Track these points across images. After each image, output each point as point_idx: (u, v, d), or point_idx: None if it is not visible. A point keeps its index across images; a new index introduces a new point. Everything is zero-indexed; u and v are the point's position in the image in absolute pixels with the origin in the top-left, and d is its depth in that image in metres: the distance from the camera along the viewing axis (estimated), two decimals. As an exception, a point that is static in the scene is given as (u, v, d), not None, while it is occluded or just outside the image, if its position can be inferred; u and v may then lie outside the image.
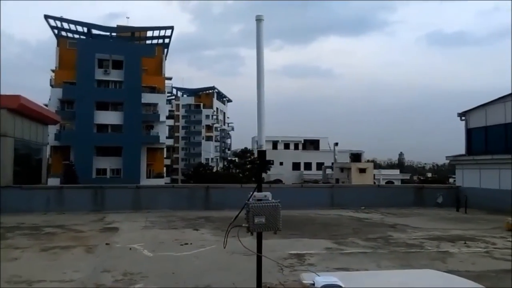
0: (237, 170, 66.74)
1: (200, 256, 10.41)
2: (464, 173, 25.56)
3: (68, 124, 58.38)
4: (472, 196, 22.31)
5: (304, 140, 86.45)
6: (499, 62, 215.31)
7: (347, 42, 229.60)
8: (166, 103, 71.01)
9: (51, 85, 61.69)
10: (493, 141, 24.28)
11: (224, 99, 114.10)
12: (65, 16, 62.28)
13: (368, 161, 76.67)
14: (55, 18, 60.75)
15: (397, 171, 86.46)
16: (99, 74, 60.87)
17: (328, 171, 70.17)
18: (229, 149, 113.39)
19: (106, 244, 12.03)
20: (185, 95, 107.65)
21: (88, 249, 11.34)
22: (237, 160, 70.24)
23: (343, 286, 3.78)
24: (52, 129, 53.23)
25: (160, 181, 58.41)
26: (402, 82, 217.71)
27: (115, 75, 61.55)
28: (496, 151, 23.39)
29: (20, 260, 9.95)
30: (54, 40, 62.92)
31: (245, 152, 69.22)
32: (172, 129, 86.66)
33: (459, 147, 27.73)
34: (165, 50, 67.21)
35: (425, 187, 26.42)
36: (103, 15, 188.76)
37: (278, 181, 57.17)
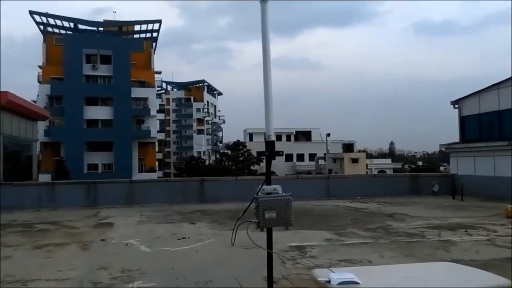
0: (230, 163, 66.49)
1: (199, 250, 10.17)
2: (459, 160, 25.55)
3: (58, 120, 57.82)
4: (467, 184, 22.31)
5: (296, 131, 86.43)
6: (486, 49, 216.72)
7: (335, 34, 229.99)
8: (156, 97, 70.57)
9: (39, 81, 60.96)
10: (487, 128, 24.25)
11: (215, 92, 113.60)
12: (50, 12, 61.40)
13: (359, 151, 76.83)
14: (40, 14, 59.88)
15: (389, 161, 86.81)
16: (87, 69, 60.25)
17: (321, 161, 70.24)
18: (220, 142, 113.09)
19: (102, 240, 11.74)
20: (175, 89, 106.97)
21: (83, 246, 11.04)
22: (229, 153, 69.97)
23: (359, 282, 3.58)
24: (42, 125, 52.57)
25: (153, 175, 58.18)
26: (390, 72, 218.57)
27: (103, 70, 60.95)
28: (490, 138, 23.39)
29: (13, 259, 9.62)
30: (40, 36, 62.07)
31: (237, 145, 68.98)
32: (163, 123, 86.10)
33: (449, 135, 27.83)
34: (154, 44, 66.64)
35: (420, 175, 26.36)
36: (89, 11, 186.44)
37: (272, 173, 56.98)
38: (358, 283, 3.54)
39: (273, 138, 5.16)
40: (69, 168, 49.83)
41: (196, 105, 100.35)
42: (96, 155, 58.62)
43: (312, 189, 21.95)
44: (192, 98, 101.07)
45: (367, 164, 65.72)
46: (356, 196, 21.80)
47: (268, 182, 4.96)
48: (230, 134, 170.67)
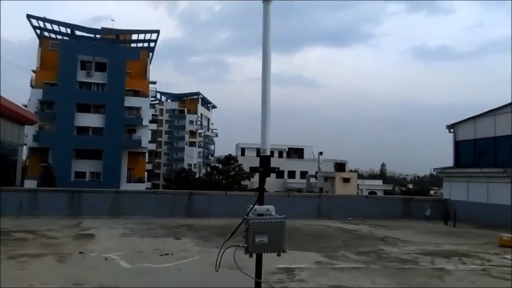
0: (221, 177, 65.81)
1: (182, 269, 9.62)
2: (452, 185, 25.25)
3: (48, 125, 56.98)
4: (460, 209, 21.99)
5: (289, 148, 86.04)
6: (482, 76, 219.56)
7: (332, 53, 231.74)
8: (150, 107, 69.94)
9: (32, 86, 60.24)
10: (481, 154, 24.02)
11: (209, 105, 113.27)
12: (48, 17, 61.07)
13: (351, 171, 76.58)
14: (37, 18, 59.48)
15: (380, 182, 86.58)
16: (81, 76, 59.67)
17: (312, 180, 69.77)
18: (212, 156, 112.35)
19: (80, 252, 11.15)
20: (169, 100, 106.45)
21: (60, 258, 10.44)
22: (220, 167, 69.32)
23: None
24: (31, 130, 51.81)
25: (141, 186, 57.28)
26: (385, 94, 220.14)
27: (98, 77, 60.42)
28: (484, 164, 23.14)
29: (-18, 270, 9.02)
30: (36, 41, 61.57)
31: (229, 159, 68.37)
32: (155, 134, 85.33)
33: (442, 160, 27.64)
34: (150, 54, 66.36)
35: (413, 199, 25.97)
36: (88, 18, 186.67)
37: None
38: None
39: (268, 153, 4.65)
40: (56, 175, 48.85)
41: (189, 117, 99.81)
42: (85, 163, 57.68)
43: (303, 208, 21.46)
44: (186, 110, 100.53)
45: (358, 185, 65.38)
46: (347, 217, 21.37)
47: (260, 201, 4.46)
48: (222, 147, 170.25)
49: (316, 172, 68.26)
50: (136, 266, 9.75)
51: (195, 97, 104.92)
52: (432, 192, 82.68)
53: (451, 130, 26.40)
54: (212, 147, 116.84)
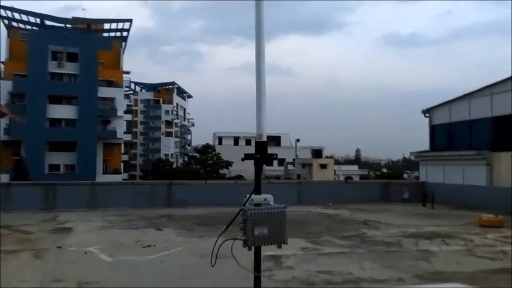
0: (199, 166, 65.41)
1: (166, 260, 9.36)
2: (428, 168, 25.65)
3: (19, 118, 55.37)
4: (437, 192, 22.29)
5: (266, 136, 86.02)
6: (452, 63, 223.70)
7: (306, 41, 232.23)
8: (124, 98, 68.75)
9: (1, 78, 58.27)
10: (457, 137, 24.41)
11: (184, 94, 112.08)
12: (17, 7, 59.03)
13: (327, 157, 77.22)
14: (5, 8, 57.48)
15: (355, 167, 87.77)
16: (52, 67, 58.07)
17: (290, 167, 70.06)
18: (189, 145, 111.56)
19: (58, 247, 10.75)
20: (143, 90, 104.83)
21: (37, 254, 10.04)
22: (198, 156, 68.84)
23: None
24: (2, 123, 50.23)
25: (117, 177, 56.46)
26: (359, 81, 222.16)
27: (69, 68, 58.91)
28: (460, 147, 23.53)
29: (-45, 269, 8.57)
30: (4, 32, 59.64)
31: (206, 148, 68.04)
32: (130, 124, 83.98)
33: (415, 144, 28.06)
34: (123, 43, 65.05)
35: (392, 183, 26.28)
36: (58, 8, 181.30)
37: (240, 177, 56.32)
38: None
39: (265, 138, 4.34)
40: (29, 168, 47.62)
41: (165, 107, 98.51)
42: (59, 155, 56.39)
43: (283, 195, 21.23)
44: (161, 100, 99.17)
45: (335, 170, 66.01)
46: (327, 202, 21.41)
47: (257, 190, 4.23)
48: (199, 137, 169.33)
49: (294, 159, 68.54)
50: (117, 259, 9.45)
51: (170, 86, 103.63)
52: (405, 175, 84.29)
53: (427, 114, 26.75)
54: (188, 136, 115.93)
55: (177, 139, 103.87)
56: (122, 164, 66.57)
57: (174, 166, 78.32)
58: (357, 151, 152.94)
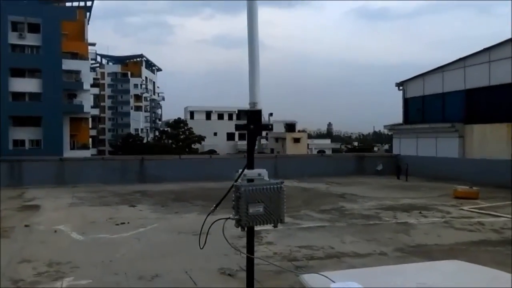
0: (170, 141, 64.42)
1: (141, 238, 8.97)
2: (402, 141, 25.83)
3: (-22, 92, 52.72)
4: (410, 164, 22.50)
5: (238, 110, 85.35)
6: (417, 37, 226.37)
7: (277, 14, 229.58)
8: (90, 71, 66.43)
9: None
10: (430, 110, 24.57)
11: (154, 68, 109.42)
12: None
13: (299, 131, 77.46)
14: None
15: (328, 141, 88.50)
16: (13, 38, 55.10)
17: (263, 141, 69.96)
18: (160, 120, 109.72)
19: (26, 226, 10.20)
20: (110, 63, 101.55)
21: (4, 233, 9.45)
22: (169, 131, 67.73)
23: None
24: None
25: (86, 153, 54.93)
26: (330, 55, 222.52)
27: (31, 40, 56.04)
28: (433, 120, 23.70)
29: None
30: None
31: (178, 123, 66.93)
32: (98, 98, 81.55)
33: (385, 118, 28.20)
34: (87, 14, 62.35)
35: (366, 156, 26.46)
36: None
37: (213, 151, 55.88)
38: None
39: (259, 107, 3.88)
40: (-8, 144, 45.75)
41: (133, 80, 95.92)
42: (23, 130, 54.29)
43: (260, 168, 21.14)
44: (129, 73, 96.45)
45: (308, 144, 66.35)
46: (303, 176, 21.32)
47: (250, 165, 3.83)
48: (170, 111, 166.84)
49: (267, 134, 68.41)
50: (90, 238, 9.00)
51: (138, 59, 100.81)
52: (376, 148, 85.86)
53: (400, 87, 26.77)
54: (159, 111, 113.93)
55: (147, 114, 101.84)
56: (90, 139, 64.85)
57: (145, 141, 76.95)
58: (329, 125, 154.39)
